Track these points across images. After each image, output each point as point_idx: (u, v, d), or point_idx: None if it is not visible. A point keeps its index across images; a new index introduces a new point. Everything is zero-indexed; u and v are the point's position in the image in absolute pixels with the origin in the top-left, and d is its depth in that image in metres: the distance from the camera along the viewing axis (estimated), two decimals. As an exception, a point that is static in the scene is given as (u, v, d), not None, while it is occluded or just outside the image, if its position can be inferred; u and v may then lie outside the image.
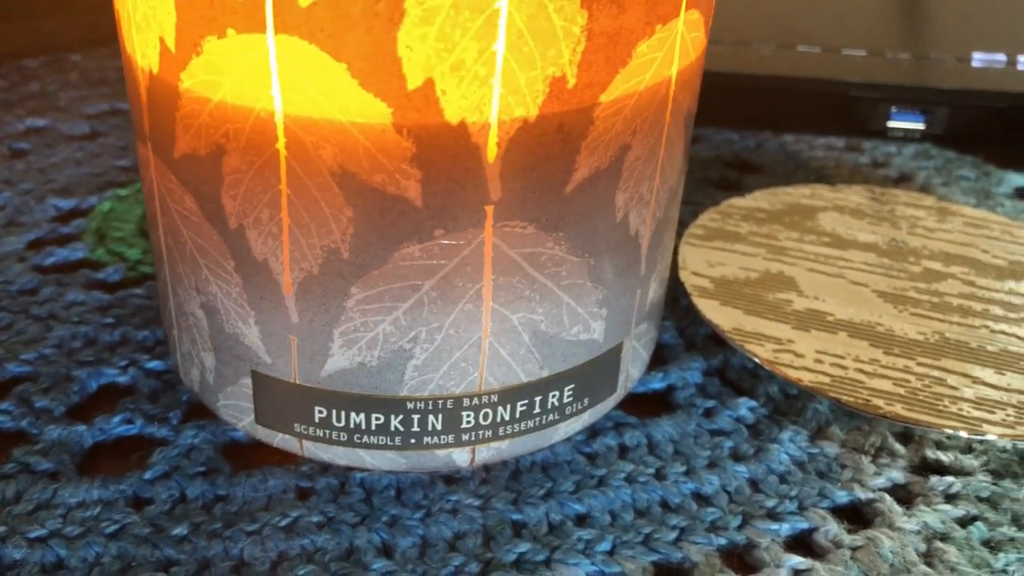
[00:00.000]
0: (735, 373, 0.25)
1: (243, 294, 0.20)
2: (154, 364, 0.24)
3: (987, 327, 0.26)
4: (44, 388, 0.23)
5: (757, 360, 0.24)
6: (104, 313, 0.26)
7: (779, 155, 0.37)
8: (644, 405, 0.24)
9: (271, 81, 0.17)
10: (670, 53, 0.19)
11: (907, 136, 0.38)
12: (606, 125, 0.18)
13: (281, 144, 0.18)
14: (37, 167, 0.33)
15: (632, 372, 0.23)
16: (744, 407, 0.24)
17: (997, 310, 0.26)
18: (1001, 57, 0.37)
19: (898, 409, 0.23)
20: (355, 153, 0.17)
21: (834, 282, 0.27)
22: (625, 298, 0.21)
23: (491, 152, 0.18)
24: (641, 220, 0.21)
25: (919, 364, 0.24)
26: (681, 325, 0.27)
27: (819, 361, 0.24)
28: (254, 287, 0.19)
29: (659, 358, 0.26)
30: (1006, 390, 0.23)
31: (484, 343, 0.20)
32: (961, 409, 0.23)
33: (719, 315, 0.26)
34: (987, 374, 0.24)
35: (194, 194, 0.19)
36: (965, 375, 0.24)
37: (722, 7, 0.42)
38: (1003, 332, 0.26)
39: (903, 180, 0.36)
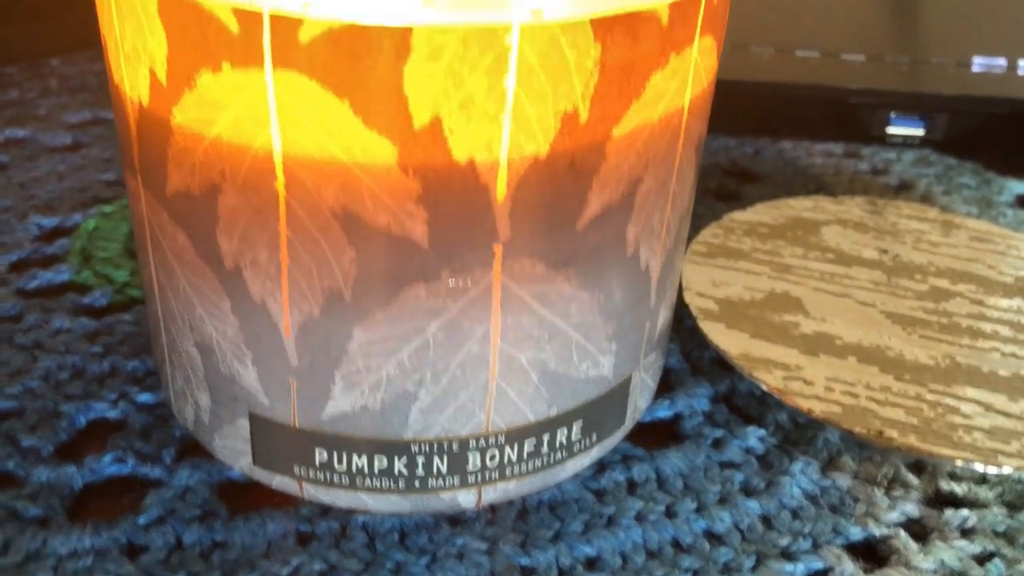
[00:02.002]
0: (743, 399, 0.25)
1: (240, 335, 0.19)
2: (145, 397, 0.23)
3: (998, 350, 0.25)
4: (31, 425, 0.22)
5: (766, 389, 0.24)
6: (92, 341, 0.25)
7: (778, 162, 0.37)
8: (651, 435, 0.23)
9: (269, 118, 0.16)
10: (683, 82, 0.18)
11: (906, 142, 0.38)
12: (619, 159, 0.18)
13: (280, 184, 0.17)
14: (18, 181, 0.32)
15: (640, 403, 0.22)
16: (753, 436, 0.23)
17: (1006, 331, 0.26)
18: (1001, 61, 0.37)
19: (912, 440, 0.22)
20: (358, 193, 0.17)
21: (841, 302, 0.27)
22: (634, 331, 0.21)
23: (500, 191, 0.17)
24: (652, 252, 0.20)
25: (931, 391, 0.24)
26: (686, 348, 0.26)
27: (829, 389, 0.24)
28: (251, 328, 0.19)
29: (665, 383, 0.25)
30: (1019, 418, 0.23)
31: (491, 384, 0.19)
32: (975, 439, 0.22)
33: (726, 340, 0.25)
34: (1000, 400, 0.24)
35: (187, 232, 0.18)
36: (978, 402, 0.23)
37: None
38: (1014, 355, 0.25)
39: (904, 188, 0.35)
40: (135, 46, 0.17)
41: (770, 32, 0.38)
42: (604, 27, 0.16)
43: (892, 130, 0.37)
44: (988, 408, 0.23)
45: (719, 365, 0.26)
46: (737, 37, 0.38)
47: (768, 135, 0.38)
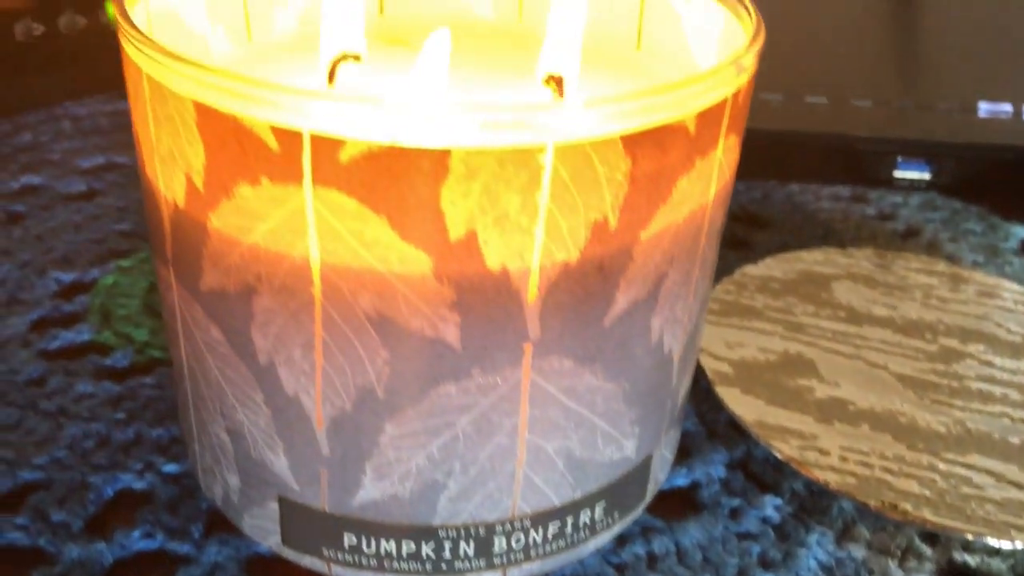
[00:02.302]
0: (759, 465, 0.25)
1: (272, 425, 0.19)
2: (170, 467, 0.24)
3: (1008, 415, 0.26)
4: (59, 498, 0.23)
5: (783, 459, 0.24)
6: (115, 407, 0.25)
7: (786, 207, 0.37)
8: (670, 504, 0.24)
9: (308, 230, 0.16)
10: (708, 181, 0.19)
11: (913, 185, 0.38)
12: (645, 259, 0.18)
13: (317, 289, 0.17)
14: (35, 233, 0.32)
15: (660, 476, 0.23)
16: (770, 505, 0.24)
17: (1016, 395, 0.26)
18: (1007, 107, 0.37)
19: (926, 514, 0.23)
20: (393, 300, 0.17)
21: (853, 364, 0.27)
22: (656, 412, 0.21)
23: (531, 295, 0.17)
24: (675, 338, 0.20)
25: (943, 460, 0.24)
26: (701, 409, 0.27)
27: (844, 459, 0.24)
28: (284, 420, 0.19)
29: (682, 448, 0.25)
30: (1030, 488, 0.23)
31: (518, 472, 0.19)
32: (988, 512, 0.23)
33: (742, 406, 0.25)
34: (1011, 471, 0.24)
35: (221, 327, 0.19)
36: (989, 472, 0.24)
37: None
38: (1023, 421, 0.26)
39: (911, 235, 0.36)
40: (171, 151, 0.17)
41: (778, 79, 0.39)
42: (634, 142, 0.16)
43: (899, 174, 0.38)
44: (999, 479, 0.24)
45: (734, 428, 0.26)
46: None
47: (777, 178, 0.39)
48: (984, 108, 0.37)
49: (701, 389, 0.28)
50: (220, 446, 0.21)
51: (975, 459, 0.24)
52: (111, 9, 0.35)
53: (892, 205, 0.37)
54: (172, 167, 0.18)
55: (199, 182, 0.17)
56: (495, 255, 0.17)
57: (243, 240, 0.17)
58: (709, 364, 0.27)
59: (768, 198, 0.37)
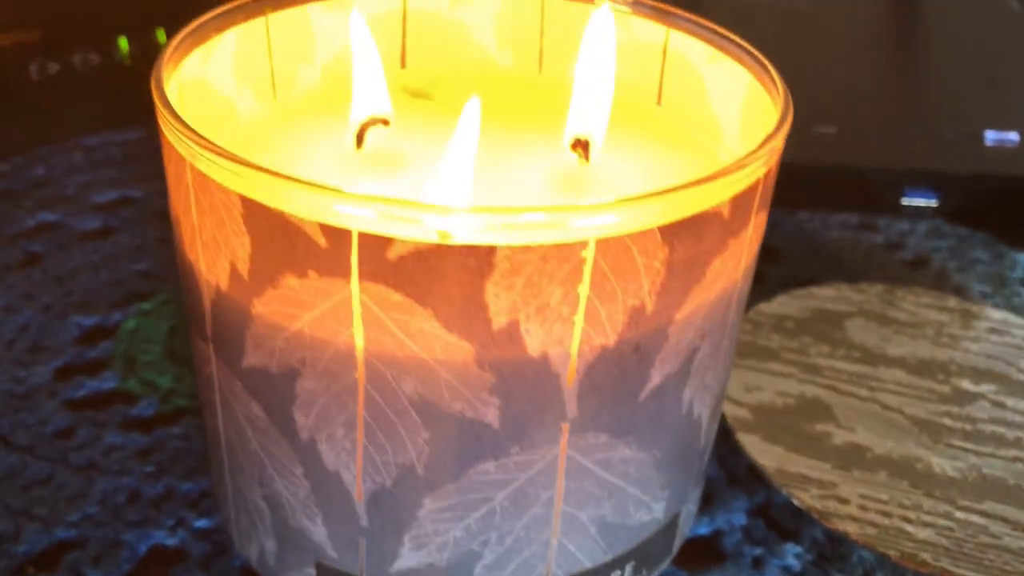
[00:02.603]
0: (779, 512, 0.26)
1: (311, 496, 0.19)
2: (202, 523, 0.24)
3: (1021, 460, 0.26)
4: (94, 556, 0.23)
5: (804, 508, 0.24)
6: (144, 459, 0.26)
7: (796, 236, 0.37)
8: (693, 554, 0.24)
9: (353, 320, 0.17)
10: (739, 259, 0.19)
11: (920, 212, 0.38)
12: (679, 337, 0.18)
13: (360, 374, 0.17)
14: (54, 275, 0.32)
15: (685, 531, 0.23)
16: (790, 554, 0.24)
17: (1029, 438, 0.27)
18: (1014, 136, 0.38)
19: (945, 564, 0.23)
20: (436, 384, 0.17)
21: (868, 408, 0.28)
22: (684, 473, 0.21)
23: (570, 377, 0.18)
24: (704, 404, 0.21)
25: (959, 508, 0.25)
26: (721, 453, 0.27)
27: (863, 508, 0.24)
28: (323, 493, 0.19)
29: (703, 494, 0.26)
30: (1045, 535, 0.24)
31: (553, 540, 0.20)
32: (1005, 562, 0.23)
33: (762, 453, 0.26)
34: (1026, 517, 0.25)
35: (262, 404, 0.19)
36: (1005, 520, 0.24)
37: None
38: (1037, 465, 0.26)
39: (919, 265, 0.36)
40: (215, 238, 0.18)
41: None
42: (671, 232, 0.17)
43: (906, 201, 0.38)
44: (1015, 526, 0.24)
45: (754, 472, 0.27)
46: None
47: (784, 205, 0.39)
48: (990, 137, 0.38)
49: (721, 433, 0.28)
50: (257, 511, 0.21)
51: (991, 506, 0.25)
52: (124, 45, 0.35)
53: (900, 233, 0.38)
54: (215, 253, 0.18)
55: (244, 270, 0.17)
56: (536, 342, 0.17)
57: (288, 326, 0.17)
58: (729, 410, 0.27)
59: (777, 227, 0.38)
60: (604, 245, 0.16)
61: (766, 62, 0.22)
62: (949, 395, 0.28)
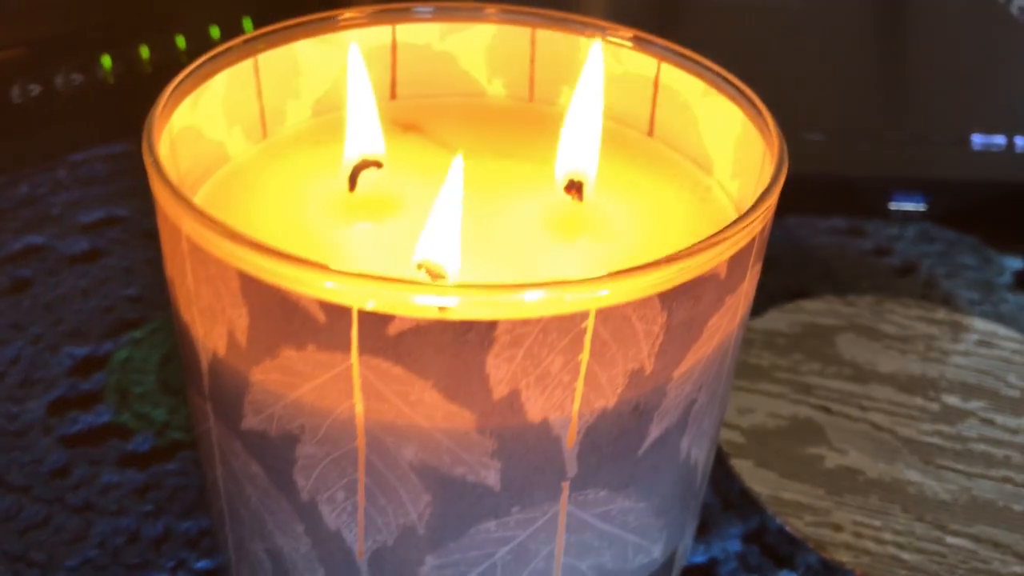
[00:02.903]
0: (773, 537, 0.26)
1: (313, 551, 0.20)
2: (203, 564, 0.24)
3: (1010, 480, 0.27)
4: (95, 603, 0.23)
5: (798, 536, 0.25)
6: (142, 498, 0.26)
7: (785, 243, 0.37)
8: (689, 583, 0.25)
9: (353, 391, 0.17)
10: (736, 312, 0.19)
11: (908, 217, 0.39)
12: (677, 392, 0.19)
13: (360, 442, 0.17)
14: (43, 302, 0.32)
15: (682, 562, 0.24)
16: (785, 581, 0.25)
17: (1017, 457, 0.27)
18: (1000, 140, 0.38)
19: (938, 593, 0.24)
20: (436, 451, 0.17)
21: (860, 428, 0.28)
22: (682, 514, 0.22)
23: (570, 439, 0.18)
24: (701, 449, 0.21)
25: (951, 533, 0.25)
26: (715, 478, 0.27)
27: (857, 535, 0.25)
28: (325, 549, 0.19)
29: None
30: (1035, 559, 0.24)
31: (554, 589, 0.20)
32: (996, 589, 0.24)
33: (756, 480, 0.26)
34: (1016, 541, 0.25)
35: (261, 464, 0.19)
36: (996, 544, 0.25)
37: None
38: (1026, 485, 0.27)
39: (907, 272, 0.36)
40: (212, 307, 0.18)
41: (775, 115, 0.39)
42: (670, 297, 0.17)
43: (894, 206, 0.38)
44: (1005, 550, 0.25)
45: (747, 497, 0.27)
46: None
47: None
48: (977, 141, 0.38)
49: (715, 459, 0.28)
50: (258, 562, 0.21)
51: (980, 530, 0.25)
52: (107, 63, 0.35)
53: (888, 238, 0.38)
54: (212, 320, 0.18)
55: (241, 339, 0.17)
56: (537, 409, 0.17)
57: (287, 394, 0.17)
58: (723, 434, 0.27)
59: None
60: (604, 315, 0.16)
61: (760, 105, 0.22)
62: (939, 413, 0.29)
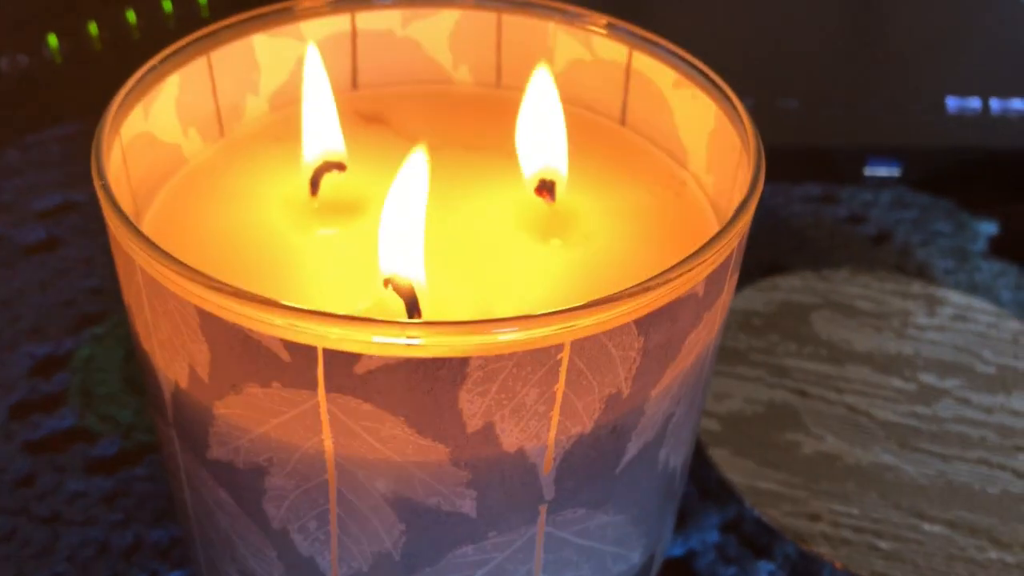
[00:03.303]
0: (751, 527, 0.26)
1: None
2: (176, 574, 0.24)
3: (986, 462, 0.27)
4: (66, 620, 0.23)
5: (776, 528, 0.25)
6: (110, 506, 0.25)
7: (758, 212, 0.37)
8: (667, 575, 0.25)
9: (321, 428, 0.16)
10: (714, 324, 0.19)
11: (883, 182, 0.38)
12: (655, 410, 0.18)
13: (331, 476, 0.17)
14: (1, 297, 0.31)
15: (660, 560, 0.23)
16: (764, 572, 0.25)
17: (993, 437, 0.27)
18: (976, 103, 0.37)
19: (915, 583, 0.24)
20: (410, 483, 0.17)
21: (836, 412, 0.28)
22: (661, 519, 0.21)
23: (547, 466, 0.17)
24: (679, 456, 0.21)
25: (928, 520, 0.25)
26: (692, 466, 0.27)
27: (835, 524, 0.25)
28: (299, 574, 0.19)
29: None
30: (1007, 546, 0.25)
31: (533, 604, 0.20)
32: (972, 574, 0.24)
33: (733, 469, 0.26)
34: (993, 524, 0.25)
35: (231, 493, 0.18)
36: (972, 529, 0.25)
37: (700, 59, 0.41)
38: (1000, 466, 0.27)
39: (882, 240, 0.36)
40: (172, 341, 0.17)
41: (750, 83, 0.38)
42: (646, 322, 0.16)
43: (869, 172, 0.38)
44: (981, 536, 0.25)
45: (725, 486, 0.27)
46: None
47: (747, 178, 0.39)
48: (952, 104, 0.37)
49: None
50: (231, 582, 0.21)
51: (958, 514, 0.25)
52: (54, 42, 0.33)
53: (863, 204, 0.38)
54: (172, 353, 0.17)
55: (203, 374, 0.17)
56: (512, 439, 0.17)
57: (252, 429, 0.17)
58: (701, 422, 0.27)
59: (740, 204, 0.37)
60: (579, 345, 0.16)
61: (735, 99, 0.21)
62: (915, 394, 0.29)
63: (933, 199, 0.38)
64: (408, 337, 0.15)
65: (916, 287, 0.32)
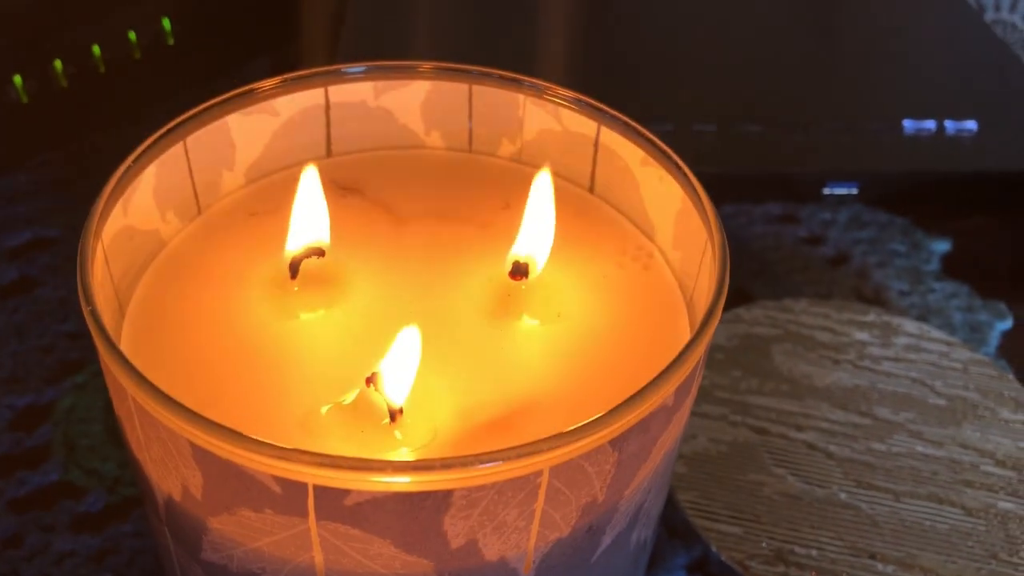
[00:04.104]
0: (716, 568, 0.27)
1: (279, 660, 0.20)
2: (166, 636, 0.25)
3: (936, 496, 0.28)
4: None
5: (740, 572, 0.26)
6: (99, 565, 0.26)
7: (721, 233, 0.38)
8: (638, 622, 0.26)
9: (312, 546, 0.17)
10: (682, 421, 0.20)
11: (841, 200, 0.39)
12: (628, 505, 0.19)
13: (322, 584, 0.18)
14: (-24, 345, 0.31)
15: (631, 612, 0.25)
16: (728, 614, 0.26)
17: (943, 473, 0.29)
18: (930, 125, 0.38)
19: (869, 625, 0.25)
20: (397, 589, 0.18)
21: (796, 451, 0.29)
22: (631, 582, 0.23)
23: (526, 568, 0.18)
24: (648, 529, 0.22)
25: (883, 560, 0.27)
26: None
27: (798, 566, 0.26)
28: (292, 660, 0.20)
29: (644, 554, 0.27)
30: (957, 581, 0.26)
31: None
32: (922, 616, 0.25)
33: (699, 513, 0.27)
34: (939, 564, 0.27)
35: (224, 589, 0.19)
36: (922, 569, 0.26)
37: (661, 88, 0.42)
38: (950, 503, 0.28)
39: (840, 262, 0.37)
40: (164, 461, 0.18)
41: (711, 108, 0.39)
42: (620, 439, 0.17)
43: (828, 191, 0.39)
44: (932, 575, 0.26)
45: (691, 528, 0.28)
46: (679, 116, 0.38)
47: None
48: (909, 126, 0.38)
49: (658, 482, 0.29)
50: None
51: (910, 554, 0.27)
52: (19, 82, 0.33)
53: (822, 224, 0.39)
54: (165, 471, 0.18)
55: (196, 493, 0.17)
56: (493, 552, 0.17)
57: (245, 543, 0.18)
58: (665, 463, 0.28)
59: (704, 225, 0.38)
60: (557, 469, 0.17)
61: (699, 188, 0.22)
62: (871, 429, 0.30)
63: (889, 217, 0.39)
64: (396, 475, 0.16)
65: (872, 315, 0.34)
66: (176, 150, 0.22)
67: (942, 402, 0.31)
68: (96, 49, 0.34)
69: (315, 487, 0.16)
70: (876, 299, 0.36)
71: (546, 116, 0.25)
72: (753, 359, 0.32)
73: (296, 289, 0.22)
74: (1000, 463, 0.29)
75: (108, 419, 0.29)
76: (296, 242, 0.22)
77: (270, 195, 0.25)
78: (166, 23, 0.36)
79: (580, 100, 0.24)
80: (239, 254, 0.23)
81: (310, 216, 0.22)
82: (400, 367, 0.19)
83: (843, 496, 0.28)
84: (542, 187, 0.22)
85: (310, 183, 0.22)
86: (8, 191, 0.36)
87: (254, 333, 0.21)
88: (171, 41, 0.37)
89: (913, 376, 0.32)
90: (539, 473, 0.16)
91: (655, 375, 0.17)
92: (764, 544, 0.27)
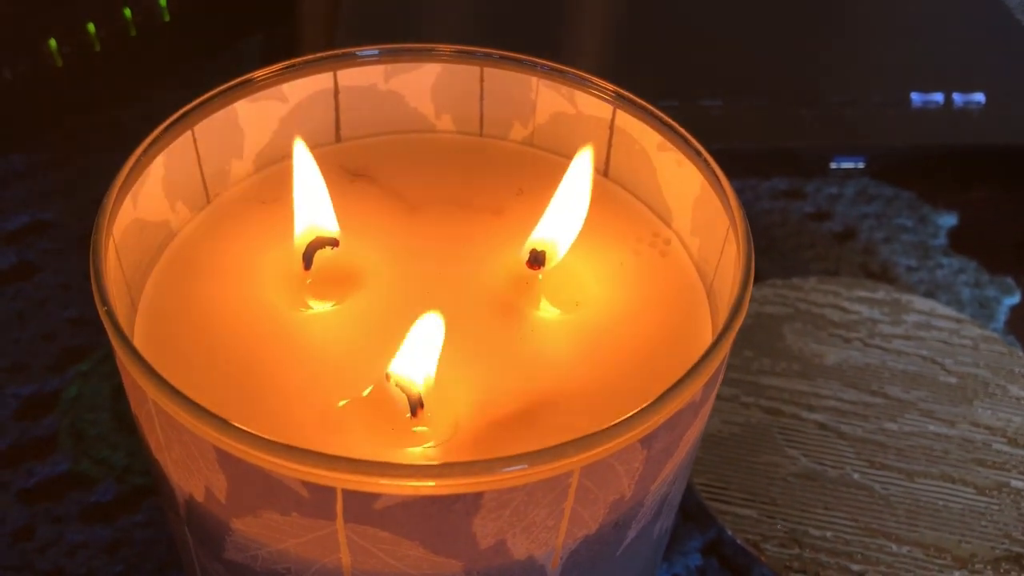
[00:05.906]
0: (730, 548, 0.27)
1: (302, 657, 0.20)
2: (183, 628, 0.24)
3: (949, 476, 0.28)
4: None
5: (756, 555, 0.26)
6: (112, 556, 0.26)
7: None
8: (654, 606, 0.26)
9: (339, 549, 0.17)
10: (707, 414, 0.19)
11: (848, 174, 0.39)
12: (654, 498, 0.19)
13: (349, 585, 0.18)
14: (-22, 333, 0.31)
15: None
16: (744, 596, 0.26)
17: (955, 452, 0.29)
18: (938, 97, 0.38)
19: (885, 607, 0.25)
20: (425, 588, 0.18)
21: (808, 431, 0.29)
22: (653, 568, 0.23)
23: (554, 564, 0.18)
24: (669, 519, 0.22)
25: (896, 541, 0.27)
26: (672, 488, 0.28)
27: (813, 548, 0.26)
28: (315, 657, 0.20)
29: (658, 537, 0.27)
30: (967, 560, 0.26)
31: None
32: (937, 597, 0.26)
33: (714, 496, 0.27)
34: (952, 544, 0.27)
35: (247, 589, 0.19)
36: (937, 548, 0.26)
37: (665, 61, 0.41)
38: (963, 482, 0.28)
39: (847, 238, 0.37)
40: (187, 465, 0.17)
41: (717, 83, 0.38)
42: (650, 437, 0.17)
43: (835, 165, 0.38)
44: (945, 555, 0.26)
45: (706, 511, 0.28)
46: (687, 90, 0.38)
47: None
48: (916, 99, 0.38)
49: (671, 465, 0.29)
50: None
51: (924, 534, 0.27)
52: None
53: (828, 198, 0.38)
54: (187, 472, 0.17)
55: (220, 496, 0.17)
56: (522, 550, 0.17)
57: (271, 544, 0.17)
58: (679, 446, 0.28)
59: (710, 201, 0.38)
60: (588, 469, 0.16)
61: (720, 174, 0.21)
62: (883, 409, 0.30)
63: (896, 191, 0.39)
64: (424, 480, 0.15)
65: (881, 293, 0.33)
66: (184, 139, 0.22)
67: (953, 380, 0.31)
68: (91, 27, 0.34)
69: (344, 491, 0.16)
70: (883, 275, 0.36)
71: (559, 99, 0.24)
72: (764, 339, 0.32)
73: (309, 281, 0.22)
74: (1012, 441, 0.29)
75: (115, 407, 0.29)
76: (302, 225, 0.21)
77: (280, 182, 0.24)
78: (162, 0, 0.35)
79: (595, 83, 0.23)
80: (249, 243, 0.23)
81: (311, 197, 0.21)
82: (424, 353, 0.18)
83: (856, 477, 0.28)
84: (579, 170, 0.22)
85: (304, 161, 0.21)
86: (2, 173, 0.36)
87: (268, 326, 0.21)
88: (167, 18, 0.36)
89: (923, 354, 0.32)
90: (569, 474, 0.16)
91: (681, 370, 0.17)
92: (778, 526, 0.27)
